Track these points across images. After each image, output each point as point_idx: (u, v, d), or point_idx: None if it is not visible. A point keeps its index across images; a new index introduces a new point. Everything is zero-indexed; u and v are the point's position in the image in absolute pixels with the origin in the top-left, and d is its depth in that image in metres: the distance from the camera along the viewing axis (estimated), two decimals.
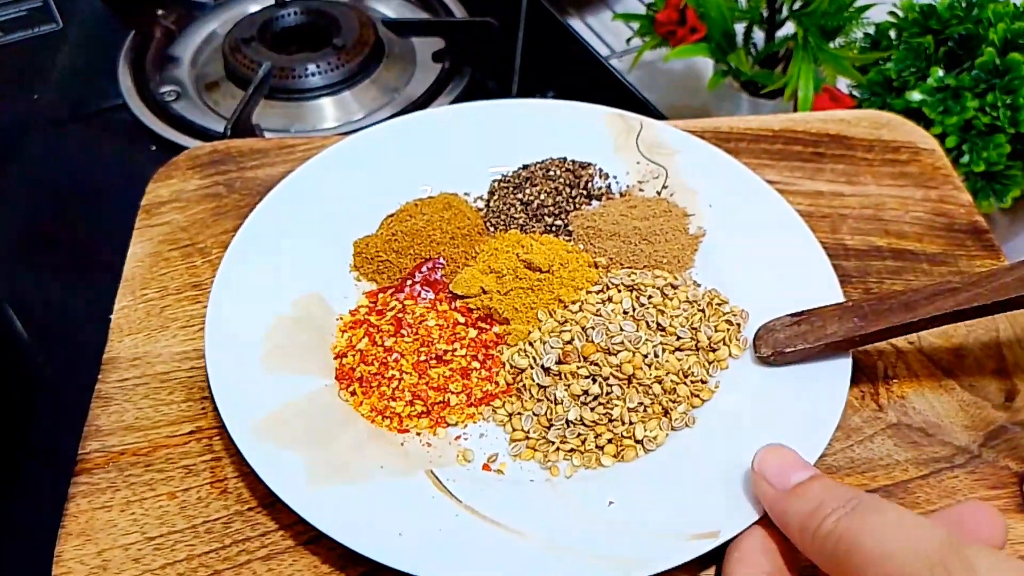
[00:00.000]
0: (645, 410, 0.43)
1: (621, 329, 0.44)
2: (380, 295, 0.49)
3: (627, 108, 0.58)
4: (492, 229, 0.53)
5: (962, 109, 0.72)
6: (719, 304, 0.47)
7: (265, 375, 0.44)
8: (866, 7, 0.83)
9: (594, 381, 0.43)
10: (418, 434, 0.43)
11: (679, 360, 0.44)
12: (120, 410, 0.45)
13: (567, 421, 0.42)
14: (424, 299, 0.49)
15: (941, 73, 0.74)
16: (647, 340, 0.44)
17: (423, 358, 0.45)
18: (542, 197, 0.53)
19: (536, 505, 0.40)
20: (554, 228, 0.52)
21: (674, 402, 0.43)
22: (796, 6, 0.84)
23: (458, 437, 0.43)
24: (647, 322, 0.45)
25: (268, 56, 0.85)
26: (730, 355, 0.45)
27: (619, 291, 0.47)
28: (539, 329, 0.46)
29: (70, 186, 0.79)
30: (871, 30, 0.82)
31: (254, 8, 0.94)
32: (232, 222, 0.53)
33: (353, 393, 0.44)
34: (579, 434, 0.42)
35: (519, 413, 0.44)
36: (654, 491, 0.40)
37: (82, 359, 0.49)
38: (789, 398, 0.43)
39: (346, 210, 0.52)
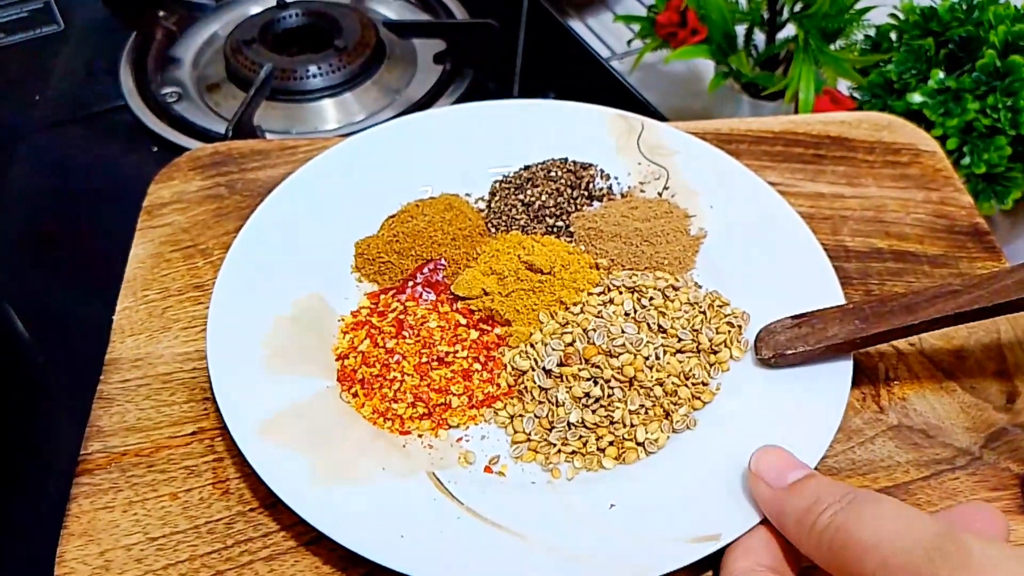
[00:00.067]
0: (646, 412, 0.43)
1: (622, 331, 0.45)
2: (382, 296, 0.49)
3: (628, 110, 0.58)
4: (493, 230, 0.53)
5: (963, 111, 0.72)
6: (720, 306, 0.47)
7: (267, 376, 0.44)
8: (867, 9, 0.83)
9: (595, 383, 0.43)
10: (420, 436, 0.43)
11: (680, 362, 0.44)
12: (122, 411, 0.45)
13: (568, 423, 0.43)
14: (426, 300, 0.49)
15: (942, 75, 0.74)
16: (648, 342, 0.44)
17: (425, 360, 0.45)
18: (543, 198, 0.53)
19: (537, 507, 0.40)
20: (555, 229, 0.52)
21: (675, 404, 0.43)
22: (797, 8, 0.85)
23: (460, 439, 0.43)
24: (648, 324, 0.45)
25: (269, 57, 0.85)
26: (731, 357, 0.45)
27: (620, 293, 0.47)
28: (540, 331, 0.46)
29: (71, 187, 0.79)
30: (872, 32, 0.82)
31: (255, 9, 0.95)
32: (233, 223, 0.53)
33: (355, 394, 0.44)
34: (580, 436, 0.42)
35: (520, 415, 0.44)
36: (655, 493, 0.40)
37: (83, 360, 0.49)
38: (790, 400, 0.43)
39: (347, 211, 0.52)
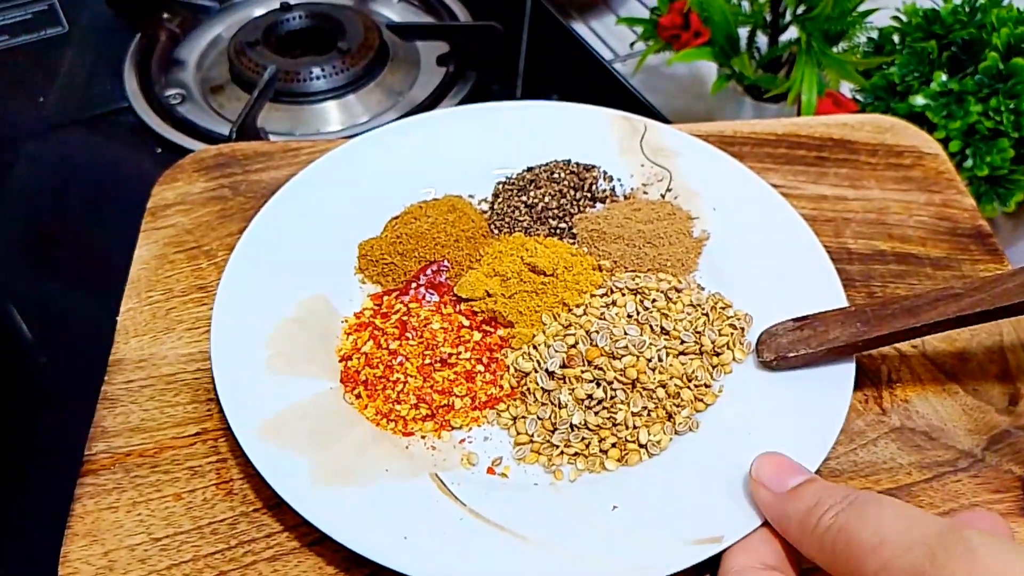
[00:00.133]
0: (649, 414, 0.43)
1: (625, 333, 0.45)
2: (385, 298, 0.49)
3: (631, 112, 0.58)
4: (496, 231, 0.53)
5: (965, 113, 0.72)
6: (723, 308, 0.47)
7: (270, 377, 0.44)
8: (869, 12, 0.83)
9: (598, 385, 0.43)
10: (423, 437, 0.43)
11: (683, 364, 0.44)
12: (126, 411, 0.45)
13: (571, 425, 0.43)
14: (429, 302, 0.49)
15: (944, 78, 0.74)
16: (651, 344, 0.44)
17: (428, 361, 0.45)
18: (546, 199, 0.53)
19: (540, 509, 0.40)
20: (558, 231, 0.53)
21: (678, 406, 0.43)
22: (800, 10, 0.85)
23: (462, 440, 0.43)
24: (651, 326, 0.45)
25: (273, 59, 0.85)
26: (734, 359, 0.45)
27: (623, 295, 0.47)
28: (543, 332, 0.46)
29: (75, 188, 0.80)
30: (874, 34, 0.82)
31: (259, 12, 0.95)
32: (237, 225, 0.53)
33: (358, 396, 0.44)
34: (583, 438, 0.42)
35: (523, 417, 0.44)
36: (658, 495, 0.40)
37: (87, 361, 0.49)
38: (793, 402, 0.43)
39: (351, 212, 0.52)
